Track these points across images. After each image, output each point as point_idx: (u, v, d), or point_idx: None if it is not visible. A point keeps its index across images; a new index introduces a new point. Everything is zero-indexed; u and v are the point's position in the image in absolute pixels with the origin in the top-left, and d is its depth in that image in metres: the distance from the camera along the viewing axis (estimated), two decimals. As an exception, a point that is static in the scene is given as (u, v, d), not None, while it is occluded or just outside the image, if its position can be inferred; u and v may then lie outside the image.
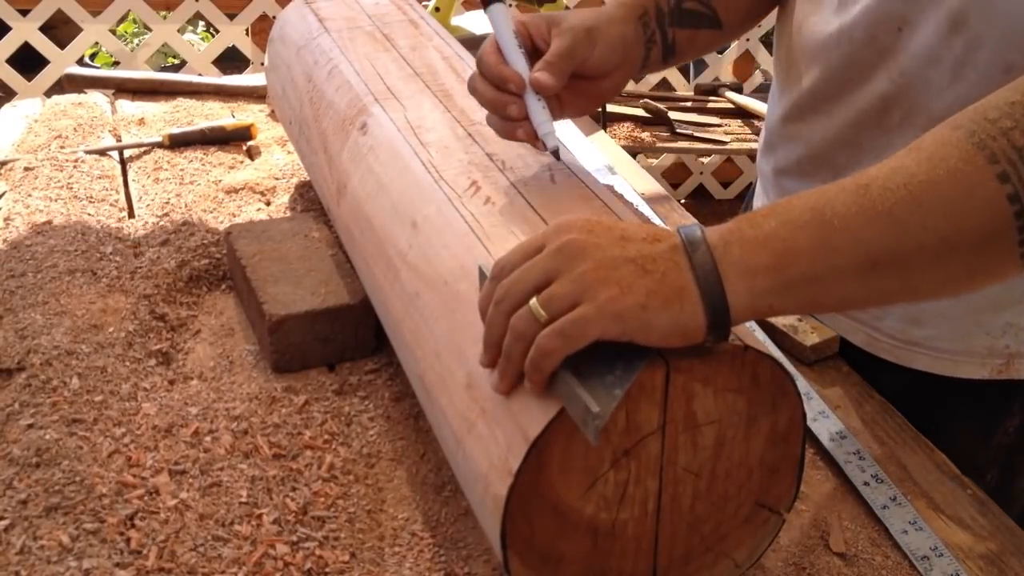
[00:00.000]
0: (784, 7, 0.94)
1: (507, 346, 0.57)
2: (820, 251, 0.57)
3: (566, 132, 1.33)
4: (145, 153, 1.27)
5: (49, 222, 1.06)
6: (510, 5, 2.56)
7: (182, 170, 1.23)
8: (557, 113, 0.79)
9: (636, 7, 0.83)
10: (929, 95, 0.78)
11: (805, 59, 0.88)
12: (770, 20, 1.01)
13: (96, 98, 1.41)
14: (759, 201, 1.11)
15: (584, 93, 0.81)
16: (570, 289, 0.55)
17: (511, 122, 0.77)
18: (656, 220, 1.15)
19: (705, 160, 3.20)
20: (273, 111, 1.41)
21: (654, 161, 3.12)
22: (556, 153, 0.78)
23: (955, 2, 0.74)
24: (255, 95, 1.48)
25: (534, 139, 0.77)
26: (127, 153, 1.27)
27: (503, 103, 0.76)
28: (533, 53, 0.79)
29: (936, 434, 0.86)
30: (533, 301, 0.56)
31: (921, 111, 0.79)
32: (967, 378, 0.89)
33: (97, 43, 2.68)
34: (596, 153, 1.32)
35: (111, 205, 1.12)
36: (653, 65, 0.86)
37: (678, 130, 2.68)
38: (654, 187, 1.31)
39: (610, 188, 0.78)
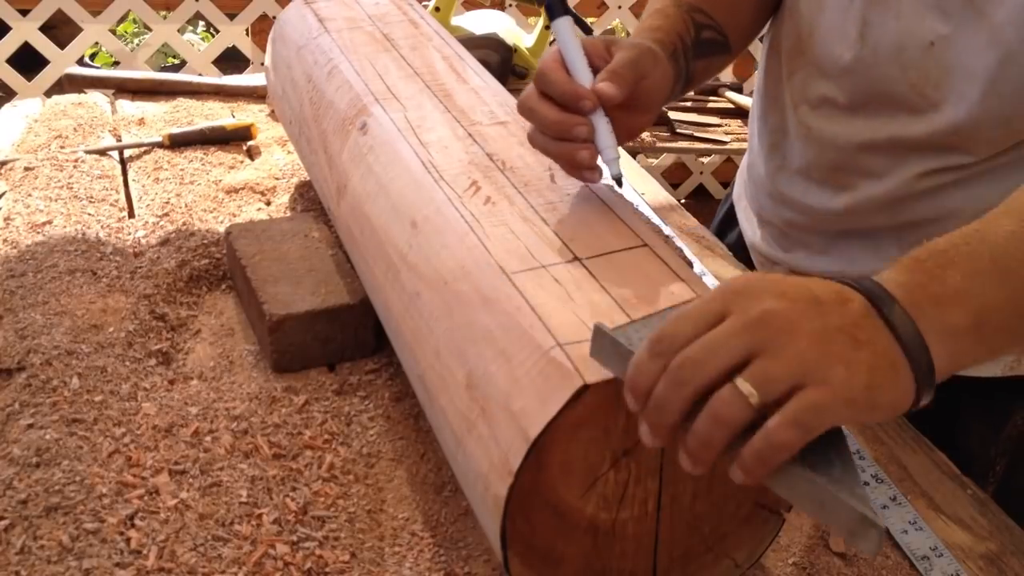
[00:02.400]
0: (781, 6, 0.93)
1: (704, 432, 0.49)
2: (1012, 303, 0.55)
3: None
4: (145, 153, 1.27)
5: (49, 222, 1.06)
6: (510, 5, 2.57)
7: (182, 170, 1.23)
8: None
9: (669, 44, 0.80)
10: (959, 108, 0.79)
11: (818, 66, 0.88)
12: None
13: (96, 98, 1.41)
14: (744, 203, 1.10)
15: (621, 127, 0.74)
16: (789, 370, 0.48)
17: (573, 143, 0.70)
18: (656, 220, 1.15)
19: (705, 160, 3.20)
20: (273, 111, 1.41)
21: (654, 161, 3.13)
22: (619, 180, 0.74)
23: (997, 19, 0.74)
24: (255, 95, 1.48)
25: (592, 163, 0.71)
26: (127, 153, 1.27)
27: (570, 124, 0.70)
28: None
29: (944, 431, 0.86)
30: (741, 382, 0.48)
31: (950, 124, 0.80)
32: (979, 376, 0.90)
33: (97, 43, 2.68)
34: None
35: (111, 205, 1.12)
36: (674, 99, 0.83)
37: (678, 130, 2.68)
38: (654, 187, 1.32)
39: (609, 187, 0.78)
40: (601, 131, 0.71)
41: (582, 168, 0.72)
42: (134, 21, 3.69)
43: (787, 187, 0.97)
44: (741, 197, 1.12)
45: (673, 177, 3.20)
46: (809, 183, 0.94)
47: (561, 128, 0.70)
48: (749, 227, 1.07)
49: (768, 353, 0.49)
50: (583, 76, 0.72)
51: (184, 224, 1.09)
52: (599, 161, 0.72)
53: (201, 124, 1.32)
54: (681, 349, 0.50)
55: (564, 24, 0.73)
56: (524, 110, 0.72)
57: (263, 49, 2.39)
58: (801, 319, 0.50)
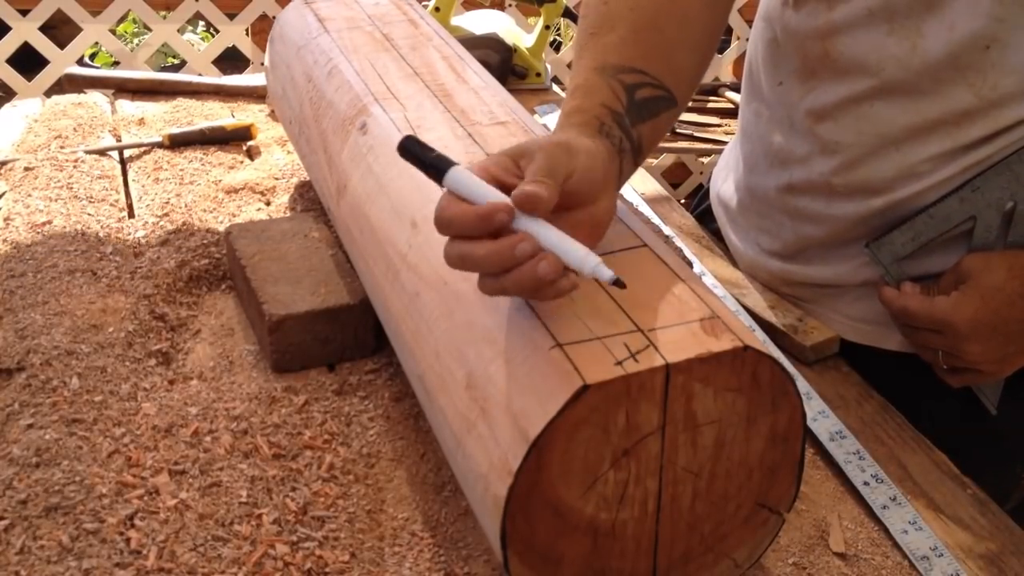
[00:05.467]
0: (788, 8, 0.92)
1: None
2: None
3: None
4: (145, 153, 1.27)
5: (49, 222, 1.06)
6: (510, 5, 2.57)
7: (182, 170, 1.23)
8: None
9: (593, 122, 0.70)
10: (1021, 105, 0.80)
11: (840, 68, 0.86)
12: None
13: (96, 98, 1.41)
14: (733, 233, 1.08)
15: (581, 226, 0.63)
16: None
17: (526, 264, 0.57)
18: (655, 220, 1.15)
19: (705, 160, 3.20)
20: (273, 111, 1.41)
21: (654, 161, 3.12)
22: (619, 282, 0.58)
23: None
24: (255, 95, 1.48)
25: (559, 270, 0.57)
26: (127, 153, 1.27)
27: (507, 246, 0.57)
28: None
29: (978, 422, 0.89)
30: None
31: (1006, 121, 0.81)
32: None
33: (97, 43, 2.68)
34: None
35: (111, 205, 1.12)
36: (629, 172, 0.74)
37: (678, 130, 2.68)
38: (654, 187, 1.32)
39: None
40: (551, 239, 0.58)
41: (551, 282, 0.57)
42: (134, 21, 3.69)
43: (803, 202, 0.95)
44: (726, 226, 1.10)
45: (673, 177, 3.20)
46: (832, 195, 0.92)
47: (501, 256, 0.58)
48: (751, 251, 1.05)
49: None
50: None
51: (184, 224, 1.09)
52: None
53: (201, 124, 1.32)
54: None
55: (457, 174, 0.62)
56: (454, 260, 0.60)
57: (263, 49, 2.39)
58: None
